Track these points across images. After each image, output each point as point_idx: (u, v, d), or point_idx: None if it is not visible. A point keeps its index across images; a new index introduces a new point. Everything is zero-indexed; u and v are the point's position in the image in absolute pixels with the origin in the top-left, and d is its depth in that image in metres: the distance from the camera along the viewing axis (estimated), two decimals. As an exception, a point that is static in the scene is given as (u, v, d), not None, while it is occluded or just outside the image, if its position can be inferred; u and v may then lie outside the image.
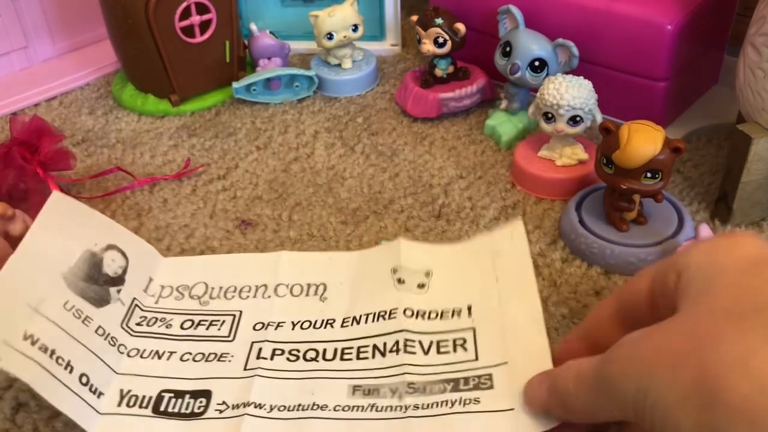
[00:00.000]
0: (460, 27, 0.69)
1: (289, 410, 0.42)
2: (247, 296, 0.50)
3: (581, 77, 0.59)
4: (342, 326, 0.48)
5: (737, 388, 0.26)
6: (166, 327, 0.48)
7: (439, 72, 0.72)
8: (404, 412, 0.41)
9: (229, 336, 0.48)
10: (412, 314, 0.48)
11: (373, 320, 0.48)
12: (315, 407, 0.42)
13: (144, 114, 0.75)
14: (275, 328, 0.48)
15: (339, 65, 0.77)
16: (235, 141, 0.70)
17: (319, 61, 0.79)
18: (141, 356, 0.46)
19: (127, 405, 0.43)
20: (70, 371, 0.42)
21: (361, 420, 0.41)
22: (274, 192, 0.64)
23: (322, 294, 0.50)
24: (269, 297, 0.50)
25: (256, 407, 0.42)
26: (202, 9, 0.72)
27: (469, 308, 0.47)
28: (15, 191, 0.59)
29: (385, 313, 0.48)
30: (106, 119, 0.75)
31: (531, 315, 0.44)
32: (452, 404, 0.41)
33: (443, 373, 0.43)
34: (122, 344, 0.46)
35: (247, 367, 0.45)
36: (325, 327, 0.48)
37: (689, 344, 0.29)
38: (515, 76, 0.65)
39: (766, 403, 0.25)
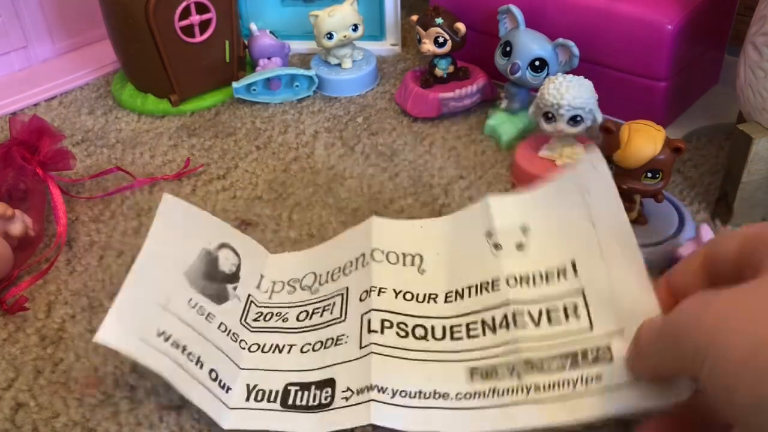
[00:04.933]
0: (460, 27, 0.69)
1: (411, 397, 0.42)
2: (350, 271, 0.50)
3: (581, 77, 0.59)
4: (446, 302, 0.47)
5: None
6: (283, 321, 0.49)
7: (439, 72, 0.72)
8: (526, 394, 0.39)
9: (341, 316, 0.47)
10: (516, 281, 0.45)
11: (476, 293, 0.46)
12: (437, 396, 0.42)
13: (144, 114, 0.75)
14: (378, 294, 0.47)
15: (339, 65, 0.77)
16: (234, 141, 0.70)
17: (319, 61, 0.79)
18: (262, 351, 0.47)
19: (255, 399, 0.43)
20: (201, 366, 0.43)
21: (484, 409, 0.40)
22: (274, 192, 0.63)
23: (420, 266, 0.50)
24: (367, 264, 0.49)
25: (379, 391, 0.42)
26: (201, 8, 0.72)
27: (574, 264, 0.45)
28: (15, 191, 0.59)
29: (488, 284, 0.46)
30: (106, 119, 0.75)
31: (635, 266, 0.41)
32: (574, 384, 0.39)
33: (559, 346, 0.41)
34: (243, 339, 0.47)
35: (362, 345, 0.45)
36: (428, 302, 0.47)
37: (755, 312, 0.28)
38: (515, 76, 0.65)
39: None
